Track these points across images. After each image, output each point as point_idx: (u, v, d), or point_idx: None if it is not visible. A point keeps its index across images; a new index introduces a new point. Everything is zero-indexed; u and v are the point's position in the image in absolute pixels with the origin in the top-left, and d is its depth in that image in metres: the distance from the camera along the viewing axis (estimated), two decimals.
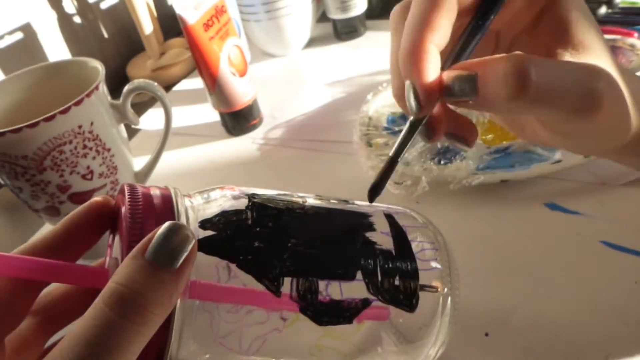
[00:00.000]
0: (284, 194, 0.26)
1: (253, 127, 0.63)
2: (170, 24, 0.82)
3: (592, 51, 0.24)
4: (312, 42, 0.81)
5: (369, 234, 0.25)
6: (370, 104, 0.57)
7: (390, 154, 0.25)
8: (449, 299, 0.26)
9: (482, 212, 0.44)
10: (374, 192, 0.26)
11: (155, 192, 0.23)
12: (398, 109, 0.56)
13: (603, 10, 0.63)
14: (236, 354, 0.23)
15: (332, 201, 0.28)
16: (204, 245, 0.22)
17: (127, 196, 0.22)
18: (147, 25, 0.77)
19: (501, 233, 0.42)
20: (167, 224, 0.19)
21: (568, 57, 0.24)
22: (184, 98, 0.74)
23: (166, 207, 0.22)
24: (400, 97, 0.25)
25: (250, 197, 0.25)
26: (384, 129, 0.54)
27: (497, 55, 0.21)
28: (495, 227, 0.42)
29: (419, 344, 0.26)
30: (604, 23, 0.63)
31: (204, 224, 0.22)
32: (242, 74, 0.59)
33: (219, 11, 0.56)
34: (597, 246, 0.38)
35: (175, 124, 0.51)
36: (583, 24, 0.24)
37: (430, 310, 0.25)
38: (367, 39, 0.79)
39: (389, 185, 0.46)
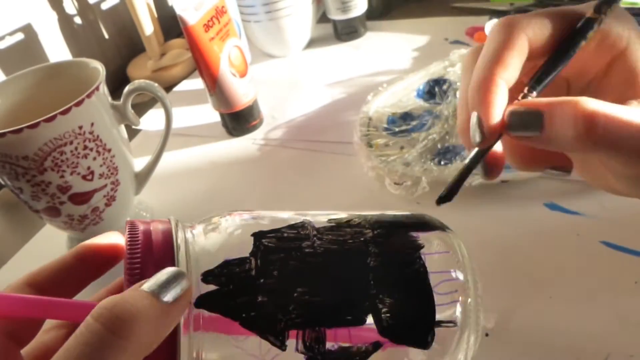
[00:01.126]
0: (292, 225, 0.25)
1: (253, 128, 0.63)
2: (171, 25, 0.82)
3: None
4: (312, 43, 0.81)
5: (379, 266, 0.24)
6: (371, 105, 0.57)
7: (466, 162, 0.26)
8: (470, 331, 0.25)
9: (482, 212, 0.44)
10: (445, 199, 0.25)
11: (156, 227, 0.23)
12: (398, 110, 0.56)
13: None
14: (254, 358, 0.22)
15: (349, 223, 0.26)
16: (206, 302, 0.21)
17: (127, 234, 0.22)
18: (147, 26, 0.77)
19: (501, 233, 0.42)
20: (165, 270, 0.20)
21: (636, 105, 0.24)
22: (184, 99, 0.74)
23: (165, 249, 0.22)
24: (464, 131, 0.26)
25: (255, 237, 0.23)
26: (384, 130, 0.54)
27: (566, 97, 0.22)
28: (496, 227, 0.42)
29: (446, 354, 0.25)
30: None
31: (207, 277, 0.22)
32: (243, 74, 0.59)
33: (220, 12, 0.56)
34: (597, 246, 0.38)
35: (175, 124, 0.51)
36: None
37: (450, 343, 0.24)
38: (367, 40, 0.79)
39: (389, 186, 0.46)
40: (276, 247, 0.23)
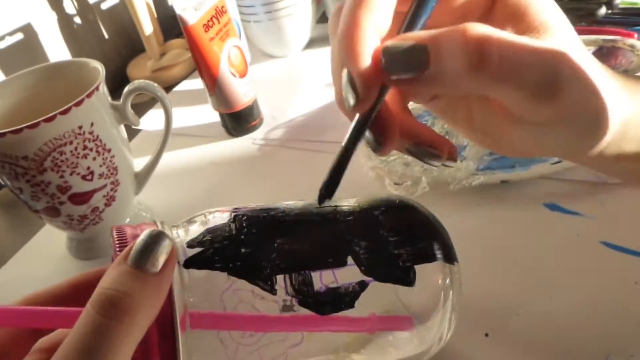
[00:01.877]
0: (267, 205, 0.27)
1: (253, 128, 0.63)
2: (171, 25, 0.82)
3: (555, 33, 0.21)
4: (312, 43, 0.81)
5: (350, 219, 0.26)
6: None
7: (335, 159, 0.24)
8: (450, 270, 0.26)
9: (482, 212, 0.44)
10: (327, 194, 0.24)
11: (143, 229, 0.23)
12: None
13: (603, 10, 0.63)
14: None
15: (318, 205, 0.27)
16: (193, 262, 0.23)
17: (115, 239, 0.23)
18: (147, 26, 0.77)
19: (501, 234, 0.42)
20: (145, 231, 0.21)
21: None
22: (184, 99, 0.74)
23: None
24: (341, 102, 0.22)
25: (233, 211, 0.26)
26: None
27: (452, 26, 0.19)
28: (495, 227, 0.42)
29: (429, 325, 0.26)
30: (603, 24, 0.63)
31: (191, 244, 0.23)
32: (242, 74, 0.59)
33: (219, 12, 0.56)
34: (597, 247, 0.38)
35: (175, 124, 0.51)
36: (541, 4, 0.22)
37: (434, 283, 0.26)
38: None
39: (389, 186, 0.46)
40: (253, 214, 0.25)
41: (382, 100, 0.21)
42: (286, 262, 0.24)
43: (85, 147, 0.42)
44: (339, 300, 0.24)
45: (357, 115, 0.22)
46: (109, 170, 0.44)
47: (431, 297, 0.26)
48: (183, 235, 0.25)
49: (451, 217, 0.28)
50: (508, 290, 0.37)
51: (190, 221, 0.26)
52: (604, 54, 0.56)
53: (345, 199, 0.29)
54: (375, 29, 0.21)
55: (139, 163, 0.51)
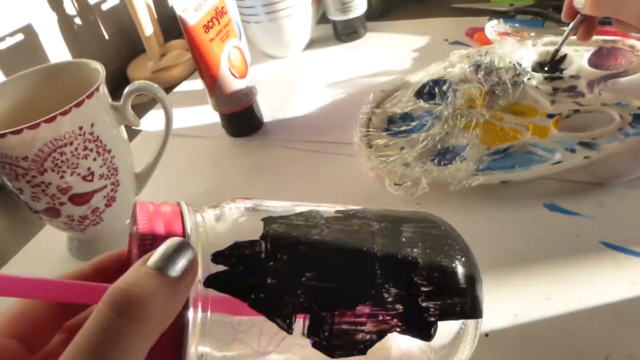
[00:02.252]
0: (301, 213, 0.25)
1: (253, 129, 0.63)
2: (171, 26, 0.82)
3: None
4: (312, 44, 0.81)
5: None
6: (371, 105, 0.57)
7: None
8: (475, 324, 0.25)
9: (482, 213, 0.44)
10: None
11: (166, 209, 0.23)
12: (398, 110, 0.56)
13: None
14: (255, 352, 0.23)
15: (356, 215, 0.26)
16: (215, 282, 0.21)
17: (138, 215, 0.22)
18: (147, 26, 0.77)
19: (501, 234, 0.42)
20: (169, 240, 0.20)
21: None
22: (184, 99, 0.74)
23: (176, 228, 0.22)
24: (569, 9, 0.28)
25: (265, 222, 0.24)
26: (384, 130, 0.54)
27: None
28: (495, 228, 0.42)
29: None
30: (604, 24, 0.63)
31: (216, 258, 0.22)
32: (243, 75, 0.59)
33: (219, 13, 0.56)
34: (597, 247, 0.38)
35: (175, 125, 0.51)
36: None
37: (452, 334, 0.25)
38: (367, 40, 0.79)
39: (389, 186, 0.46)
40: (286, 232, 0.23)
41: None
42: (310, 301, 0.22)
43: (85, 148, 0.42)
44: (353, 346, 0.23)
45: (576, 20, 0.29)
46: (109, 171, 0.45)
47: (446, 348, 0.25)
48: (210, 221, 0.24)
49: (451, 218, 0.28)
50: (508, 290, 0.37)
51: (218, 210, 0.25)
52: (604, 54, 0.57)
53: (383, 216, 0.27)
54: None
55: (139, 164, 0.51)
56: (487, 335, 0.34)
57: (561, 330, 0.33)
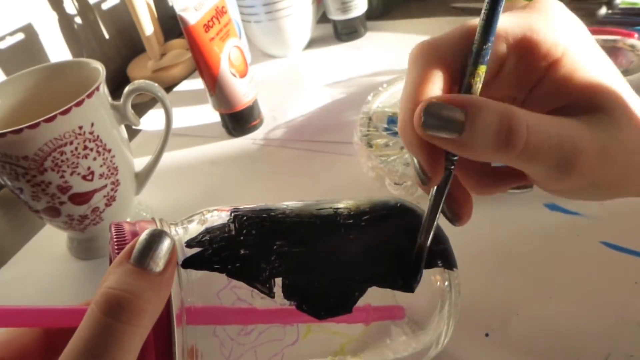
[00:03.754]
0: (266, 204, 0.27)
1: (253, 128, 0.63)
2: (171, 25, 0.82)
3: (592, 116, 0.22)
4: (312, 43, 0.81)
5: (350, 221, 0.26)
6: (371, 105, 0.57)
7: (418, 241, 0.25)
8: (449, 275, 0.26)
9: (481, 212, 0.43)
10: (409, 283, 0.25)
11: (141, 227, 0.24)
12: (398, 110, 0.56)
13: (603, 10, 0.63)
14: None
15: (319, 201, 0.28)
16: (192, 262, 0.22)
17: (113, 235, 0.23)
18: (147, 26, 0.77)
19: (501, 234, 0.42)
20: (147, 230, 0.21)
21: (563, 117, 0.22)
22: (184, 99, 0.74)
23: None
24: (405, 130, 0.23)
25: (233, 211, 0.25)
26: (384, 130, 0.54)
27: (493, 102, 0.21)
28: (495, 227, 0.42)
29: (426, 329, 0.26)
30: (603, 24, 0.63)
31: (190, 243, 0.23)
32: (243, 74, 0.59)
33: (220, 12, 0.56)
34: (597, 247, 0.38)
35: (175, 124, 0.51)
36: (587, 77, 0.23)
37: (432, 288, 0.26)
38: (367, 40, 0.79)
39: (389, 186, 0.46)
40: (252, 215, 0.25)
41: (449, 180, 0.23)
42: (285, 265, 0.23)
43: (85, 147, 0.42)
44: (336, 304, 0.24)
45: (429, 199, 0.24)
46: (109, 170, 0.45)
47: (429, 302, 0.26)
48: (182, 233, 0.25)
49: None
50: (508, 290, 0.37)
51: (189, 219, 0.26)
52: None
53: (344, 200, 0.29)
54: None
55: (139, 163, 0.51)
56: (487, 335, 0.34)
57: (561, 330, 0.33)
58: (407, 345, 0.26)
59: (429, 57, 0.23)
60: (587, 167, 0.22)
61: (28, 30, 0.72)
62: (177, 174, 0.59)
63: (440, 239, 0.27)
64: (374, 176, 0.49)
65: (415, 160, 0.23)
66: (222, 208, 0.26)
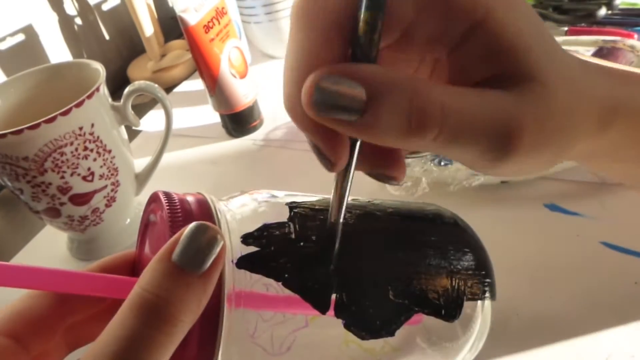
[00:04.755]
0: (322, 199, 0.25)
1: (254, 129, 0.63)
2: (171, 26, 0.82)
3: (529, 85, 0.19)
4: None
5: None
6: None
7: (330, 221, 0.22)
8: (487, 302, 0.26)
9: (482, 213, 0.44)
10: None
11: (190, 197, 0.23)
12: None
13: (603, 11, 0.63)
14: (269, 356, 0.23)
15: (375, 202, 0.26)
16: (248, 263, 0.21)
17: (164, 202, 0.21)
18: (147, 27, 0.77)
19: (501, 234, 0.42)
20: (193, 224, 0.19)
21: (488, 89, 0.18)
22: (184, 100, 0.74)
23: (204, 212, 0.22)
24: (291, 106, 0.19)
25: (291, 207, 0.24)
26: None
27: (400, 77, 0.17)
28: (495, 228, 0.42)
29: (454, 346, 0.25)
30: (603, 24, 0.63)
31: (247, 239, 0.22)
32: (243, 75, 0.59)
33: (220, 13, 0.56)
34: (597, 247, 0.38)
35: (175, 125, 0.51)
36: (525, 44, 0.19)
37: (469, 314, 0.25)
38: None
39: (389, 187, 0.46)
40: (311, 215, 0.23)
41: (355, 156, 0.20)
42: (342, 281, 0.22)
43: (85, 148, 0.42)
44: (382, 327, 0.23)
45: (335, 180, 0.22)
46: (109, 171, 0.45)
47: (460, 326, 0.25)
48: (233, 207, 0.23)
49: None
50: (508, 290, 0.37)
51: (237, 198, 0.25)
52: (604, 54, 0.56)
53: (406, 205, 0.27)
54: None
55: (139, 164, 0.51)
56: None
57: (561, 330, 0.33)
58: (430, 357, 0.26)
59: (319, 12, 0.19)
60: (525, 147, 0.18)
61: (28, 31, 0.72)
62: (177, 175, 0.59)
63: (488, 270, 0.26)
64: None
65: (313, 146, 0.19)
66: (268, 192, 0.25)
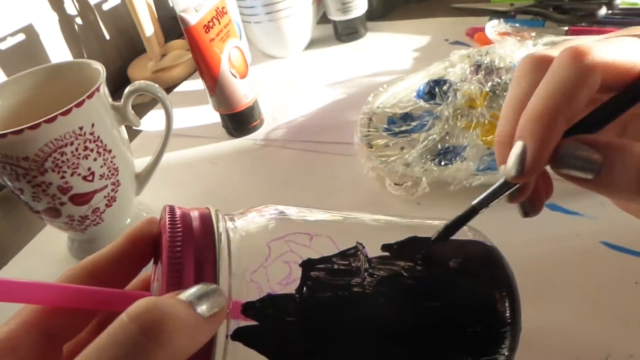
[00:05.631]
0: (344, 252, 0.23)
1: (254, 129, 0.63)
2: (171, 26, 0.82)
3: None
4: (312, 44, 0.81)
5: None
6: (371, 106, 0.57)
7: (473, 203, 0.25)
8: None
9: (482, 212, 0.44)
10: (443, 237, 0.24)
11: (194, 214, 0.22)
12: (398, 110, 0.56)
13: (603, 11, 0.63)
14: None
15: (402, 252, 0.24)
16: (244, 336, 0.20)
17: (167, 219, 0.21)
18: (148, 27, 0.77)
19: (501, 234, 0.41)
20: (203, 284, 0.19)
21: None
22: (184, 99, 0.74)
23: (205, 231, 0.21)
24: (501, 143, 0.24)
25: (304, 269, 0.22)
26: (385, 130, 0.54)
27: (633, 144, 0.20)
28: (495, 228, 0.42)
29: None
30: (604, 24, 0.63)
31: (247, 310, 0.21)
32: (243, 75, 0.59)
33: (220, 13, 0.56)
34: (597, 247, 0.38)
35: (176, 125, 0.51)
36: None
37: None
38: (367, 41, 0.79)
39: (389, 187, 0.46)
40: (323, 285, 0.22)
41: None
42: None
43: (86, 148, 0.42)
44: None
45: (501, 181, 0.23)
46: (109, 171, 0.45)
47: None
48: (241, 225, 0.23)
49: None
50: None
51: (245, 216, 0.24)
52: None
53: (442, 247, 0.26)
54: (566, 120, 0.21)
55: (139, 164, 0.51)
56: None
57: (561, 330, 0.33)
58: None
59: (587, 58, 0.21)
60: None
61: (29, 30, 0.72)
62: (177, 175, 0.59)
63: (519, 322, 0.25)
64: (374, 177, 0.49)
65: (519, 151, 0.22)
66: (283, 211, 0.24)
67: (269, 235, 0.23)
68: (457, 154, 0.48)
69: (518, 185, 0.23)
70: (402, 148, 0.50)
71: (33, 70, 0.48)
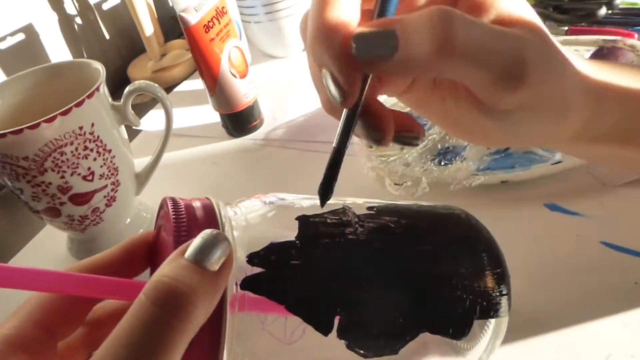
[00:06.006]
0: (335, 211, 0.24)
1: (254, 128, 0.63)
2: (171, 26, 0.82)
3: (522, 24, 0.22)
4: None
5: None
6: None
7: (334, 145, 0.24)
8: (497, 322, 0.25)
9: (482, 213, 0.43)
10: (325, 193, 0.24)
11: (196, 204, 0.23)
12: (398, 110, 0.56)
13: (603, 11, 0.63)
14: (280, 344, 0.23)
15: (388, 210, 0.26)
16: (251, 284, 0.21)
17: (170, 210, 0.22)
18: (147, 26, 0.77)
19: (501, 234, 0.41)
20: (204, 231, 0.20)
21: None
22: (184, 99, 0.74)
23: (209, 219, 0.22)
24: (328, 105, 0.23)
25: (300, 222, 0.23)
26: None
27: (420, 10, 0.20)
28: (495, 227, 0.42)
29: (466, 355, 0.25)
30: (604, 24, 0.63)
31: (252, 259, 0.22)
32: (243, 75, 0.59)
33: (220, 13, 0.56)
34: (597, 247, 0.38)
35: (175, 125, 0.51)
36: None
37: (481, 331, 0.25)
38: None
39: (389, 186, 0.46)
40: (321, 232, 0.23)
41: (365, 91, 0.22)
42: (345, 305, 0.22)
43: (85, 148, 0.42)
44: (385, 347, 0.23)
45: (344, 113, 0.22)
46: (109, 171, 0.45)
47: (469, 342, 0.25)
48: (241, 216, 0.23)
49: None
50: None
51: (244, 204, 0.24)
52: (604, 54, 0.56)
53: (418, 206, 0.27)
54: (343, 24, 0.21)
55: (139, 163, 0.51)
56: None
57: (561, 330, 0.33)
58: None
59: None
60: (534, 79, 0.21)
61: (28, 30, 0.72)
62: (177, 175, 0.59)
63: (502, 283, 0.25)
64: (374, 176, 0.49)
65: (329, 78, 0.21)
66: (278, 197, 0.25)
67: (269, 221, 0.24)
68: (457, 154, 0.48)
69: (359, 111, 0.22)
70: (402, 148, 0.50)
71: (33, 70, 0.48)
